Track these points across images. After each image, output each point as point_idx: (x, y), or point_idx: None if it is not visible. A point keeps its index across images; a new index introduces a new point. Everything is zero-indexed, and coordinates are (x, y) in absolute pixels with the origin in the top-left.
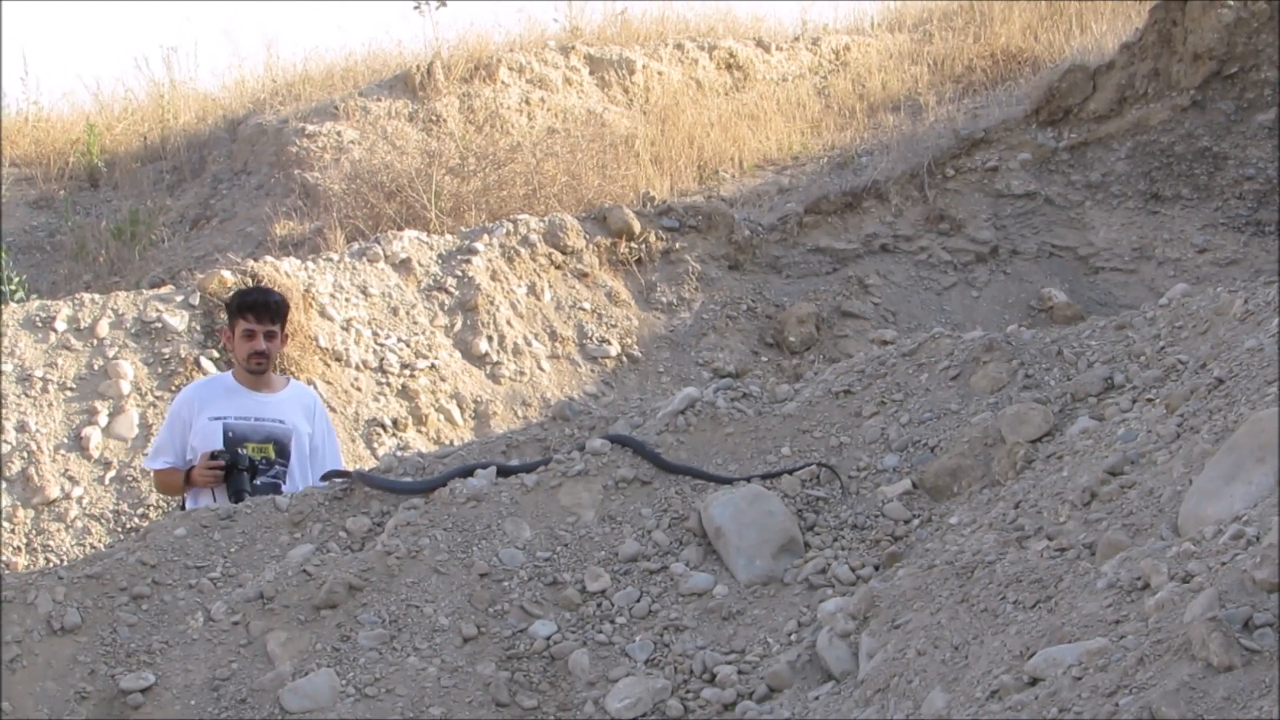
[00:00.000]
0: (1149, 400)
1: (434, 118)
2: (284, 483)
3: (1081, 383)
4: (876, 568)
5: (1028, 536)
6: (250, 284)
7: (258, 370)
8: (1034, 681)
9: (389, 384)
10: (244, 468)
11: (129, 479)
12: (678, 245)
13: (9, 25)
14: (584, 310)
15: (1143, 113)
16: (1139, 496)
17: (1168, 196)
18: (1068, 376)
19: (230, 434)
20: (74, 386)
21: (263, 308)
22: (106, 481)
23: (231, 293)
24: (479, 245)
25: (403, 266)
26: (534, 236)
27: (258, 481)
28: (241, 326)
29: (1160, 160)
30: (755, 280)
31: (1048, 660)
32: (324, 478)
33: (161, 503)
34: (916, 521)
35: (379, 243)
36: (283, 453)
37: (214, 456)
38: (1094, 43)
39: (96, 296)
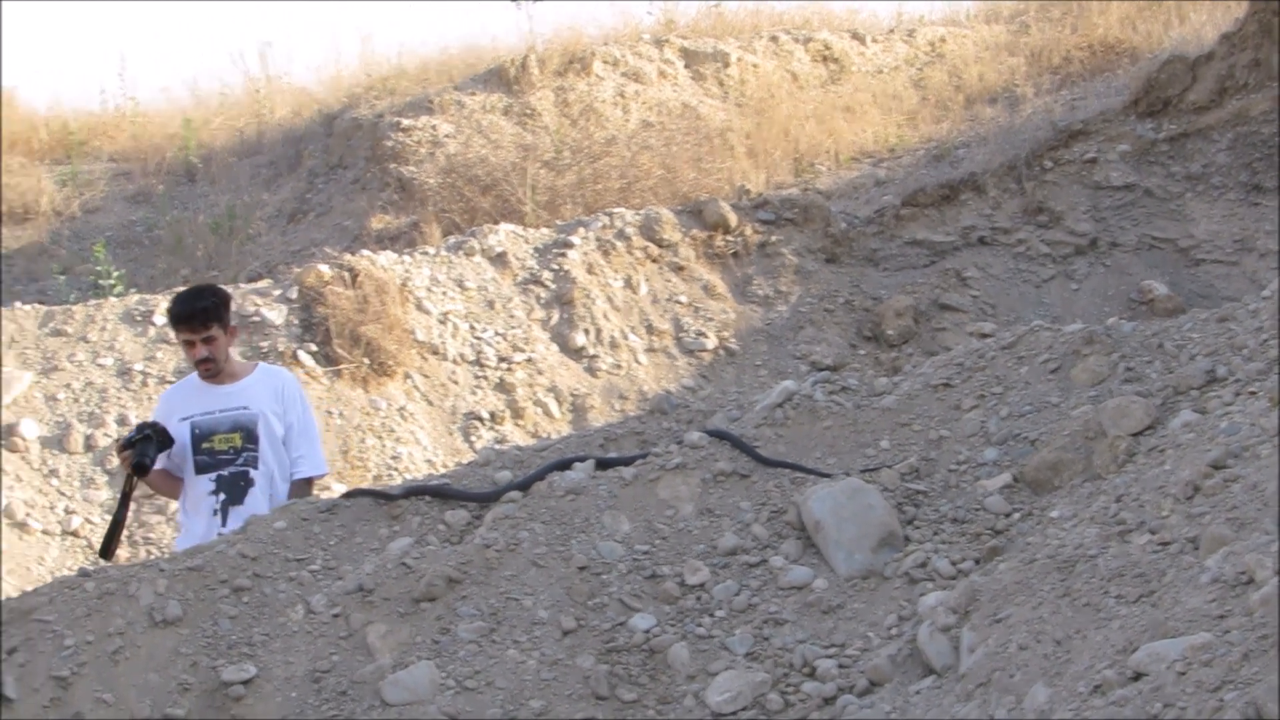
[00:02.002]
0: (1251, 393)
1: (529, 111)
2: (254, 468)
3: (1183, 376)
4: (977, 561)
5: (1130, 530)
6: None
7: (209, 376)
8: (1137, 676)
9: (486, 377)
10: (137, 438)
11: None
12: (774, 238)
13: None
14: (680, 303)
15: (1243, 103)
16: (1242, 490)
17: (1269, 188)
18: (1169, 369)
19: (197, 430)
20: (173, 380)
21: (193, 317)
22: None
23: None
24: (575, 239)
25: (499, 260)
26: (630, 230)
27: (225, 471)
28: (181, 337)
29: (1261, 151)
30: (852, 273)
31: (1151, 655)
32: (345, 496)
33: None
34: (1017, 515)
35: (475, 236)
36: (250, 438)
37: (120, 449)
38: (1193, 33)
39: None
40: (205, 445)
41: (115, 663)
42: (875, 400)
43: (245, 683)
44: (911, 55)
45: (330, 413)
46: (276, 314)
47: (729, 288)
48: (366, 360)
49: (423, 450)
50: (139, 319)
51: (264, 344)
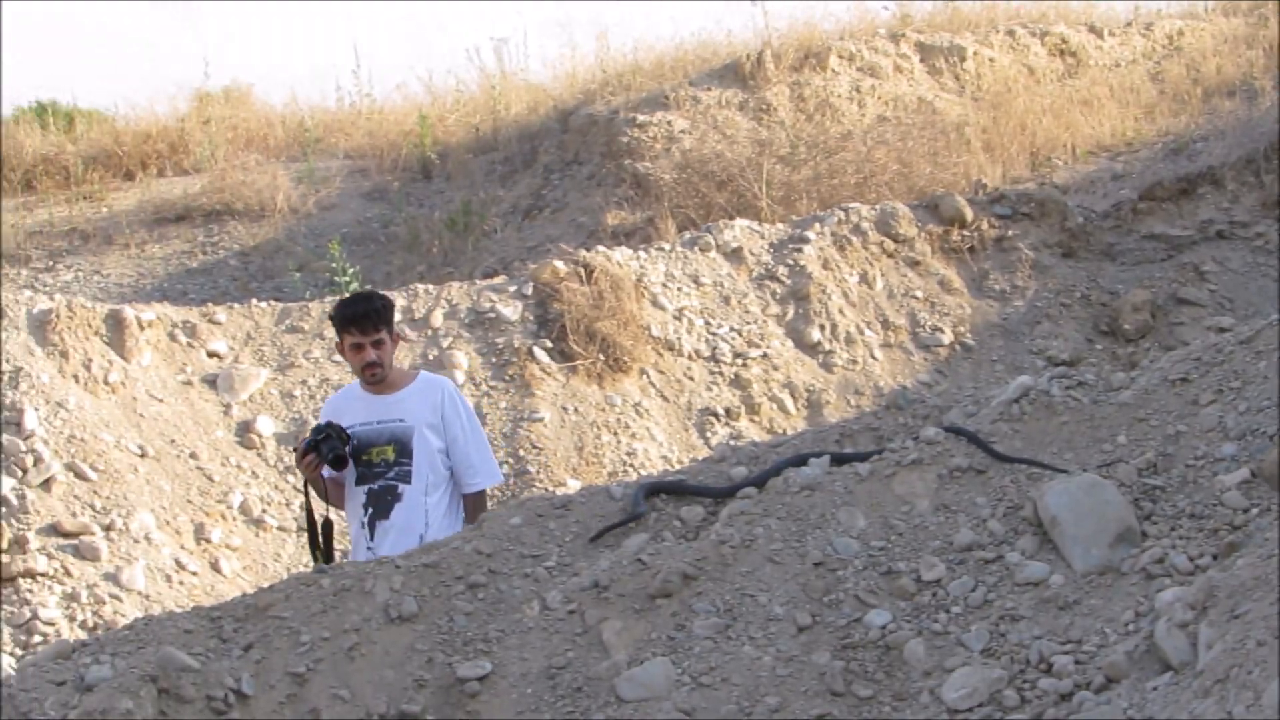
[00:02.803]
0: None
1: (764, 107)
2: (406, 483)
3: None
4: (1215, 557)
5: None
6: (578, 270)
7: (374, 380)
8: None
9: (721, 373)
10: (319, 439)
11: None
12: (1010, 233)
13: (342, 19)
14: (916, 298)
15: None
16: None
17: None
18: None
19: (356, 441)
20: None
21: (365, 318)
22: None
23: (334, 304)
24: (810, 234)
25: (734, 255)
26: (865, 225)
27: (375, 485)
28: (349, 340)
29: None
30: (1089, 267)
31: None
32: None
33: (495, 492)
34: (1255, 510)
35: (710, 232)
36: (404, 452)
37: (302, 456)
38: None
39: (430, 287)
40: (364, 457)
41: (351, 659)
42: (1112, 395)
43: (481, 679)
44: (1149, 48)
45: (565, 409)
46: (512, 310)
47: (965, 283)
48: (602, 356)
49: (658, 446)
50: None
51: (499, 340)
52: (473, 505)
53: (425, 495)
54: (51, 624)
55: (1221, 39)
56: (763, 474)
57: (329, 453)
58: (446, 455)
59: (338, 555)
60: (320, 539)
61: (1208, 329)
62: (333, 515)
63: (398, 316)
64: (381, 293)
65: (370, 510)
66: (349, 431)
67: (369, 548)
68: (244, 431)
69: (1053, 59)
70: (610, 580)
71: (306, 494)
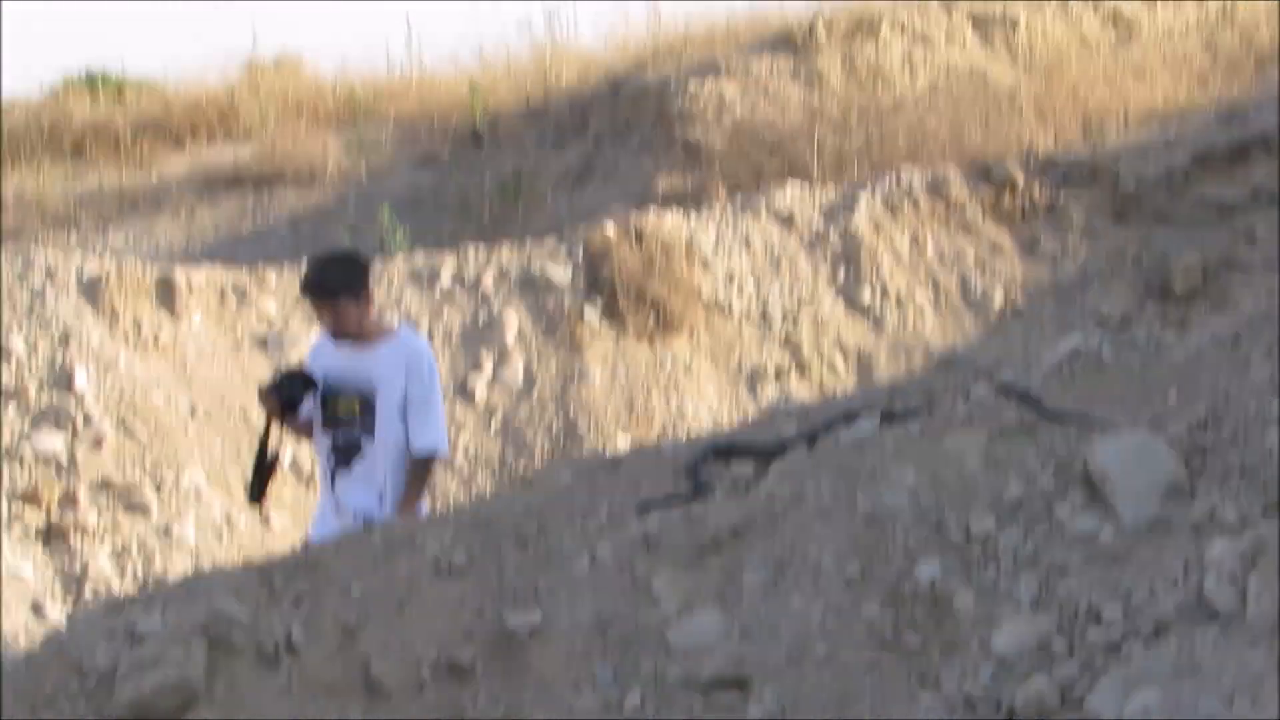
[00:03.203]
0: None
1: (816, 75)
2: (368, 439)
3: None
4: (1264, 512)
5: None
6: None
7: (339, 340)
8: None
9: (772, 334)
10: (280, 382)
11: (514, 427)
12: (1062, 198)
13: None
14: (967, 262)
15: None
16: None
17: None
18: None
19: (326, 388)
20: (460, 338)
21: (313, 289)
22: (492, 430)
23: None
24: (862, 197)
25: (785, 219)
26: (917, 189)
27: (339, 437)
28: (311, 306)
29: None
30: (1140, 231)
31: None
32: (711, 455)
33: (546, 450)
34: None
35: (762, 195)
36: (368, 408)
37: (265, 395)
38: None
39: (481, 249)
40: (331, 405)
41: (401, 612)
42: (1163, 355)
43: (530, 630)
44: (1202, 17)
45: (616, 368)
46: (562, 272)
47: (1016, 246)
48: (652, 317)
49: (708, 405)
50: (425, 277)
51: (549, 302)
52: (413, 471)
53: (385, 453)
54: (102, 577)
55: (1275, 8)
56: (813, 429)
57: (286, 393)
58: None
59: (270, 500)
60: (259, 473)
61: (1259, 292)
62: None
63: (447, 279)
64: (351, 255)
65: (334, 459)
66: (324, 375)
67: (332, 493)
68: None
69: (1106, 28)
70: (660, 534)
71: (265, 428)
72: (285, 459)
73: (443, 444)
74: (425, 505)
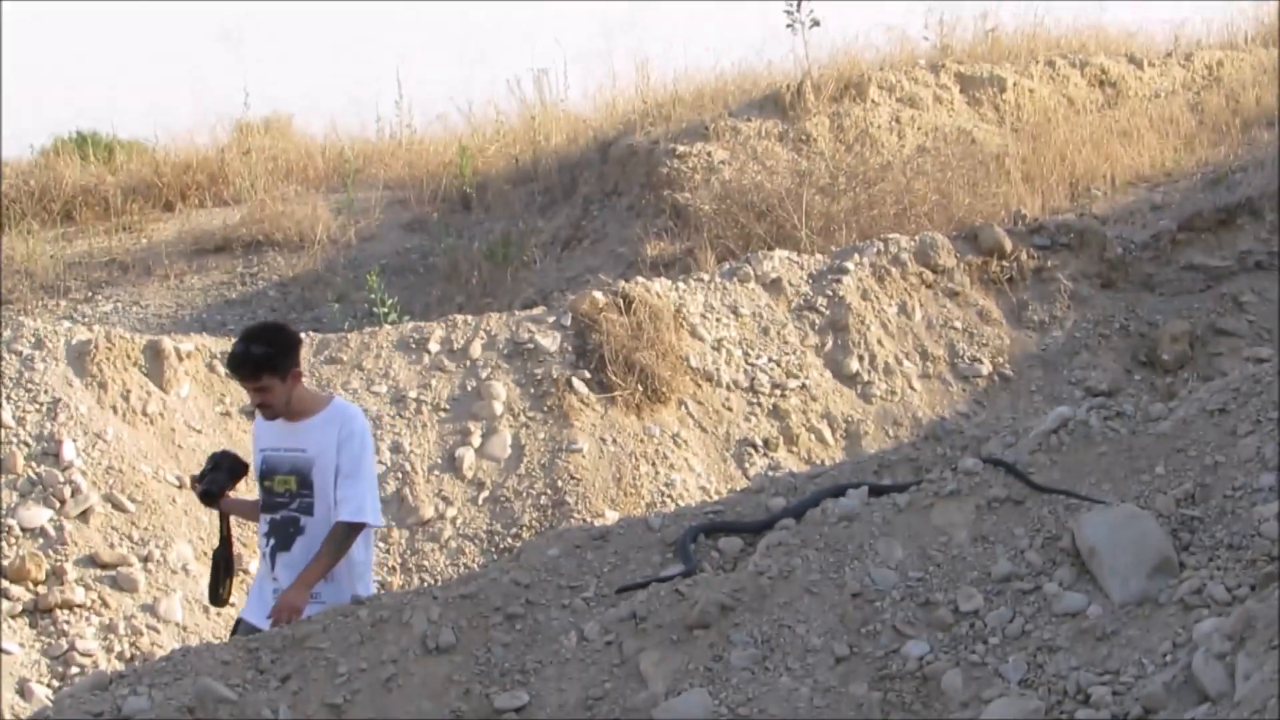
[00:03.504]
0: None
1: (804, 137)
2: (309, 515)
3: None
4: (1253, 588)
5: None
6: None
7: (270, 418)
8: None
9: (760, 404)
10: (208, 469)
11: (502, 499)
12: (1049, 263)
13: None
14: (955, 329)
15: None
16: None
17: None
18: None
19: (265, 466)
20: (447, 407)
21: (238, 369)
22: (480, 502)
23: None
24: (849, 264)
25: (773, 286)
26: (905, 255)
27: (278, 515)
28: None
29: None
30: (1128, 298)
31: None
32: (699, 535)
33: (533, 523)
34: None
35: (749, 263)
36: (304, 483)
37: (194, 482)
38: None
39: (469, 318)
40: (268, 483)
41: (389, 690)
42: (1150, 426)
43: (518, 710)
44: (1188, 79)
45: (604, 440)
46: (551, 341)
47: (1004, 313)
48: (640, 387)
49: (696, 477)
50: (413, 346)
51: (538, 371)
52: (335, 531)
53: (326, 529)
54: (89, 655)
55: (1260, 69)
56: (800, 504)
57: (206, 485)
58: None
59: (235, 595)
60: (216, 573)
61: (1246, 359)
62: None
63: (435, 348)
64: (277, 329)
65: (272, 541)
66: (263, 455)
67: (273, 578)
68: None
69: (1092, 89)
70: (648, 611)
71: (222, 525)
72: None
73: (368, 513)
74: (344, 576)
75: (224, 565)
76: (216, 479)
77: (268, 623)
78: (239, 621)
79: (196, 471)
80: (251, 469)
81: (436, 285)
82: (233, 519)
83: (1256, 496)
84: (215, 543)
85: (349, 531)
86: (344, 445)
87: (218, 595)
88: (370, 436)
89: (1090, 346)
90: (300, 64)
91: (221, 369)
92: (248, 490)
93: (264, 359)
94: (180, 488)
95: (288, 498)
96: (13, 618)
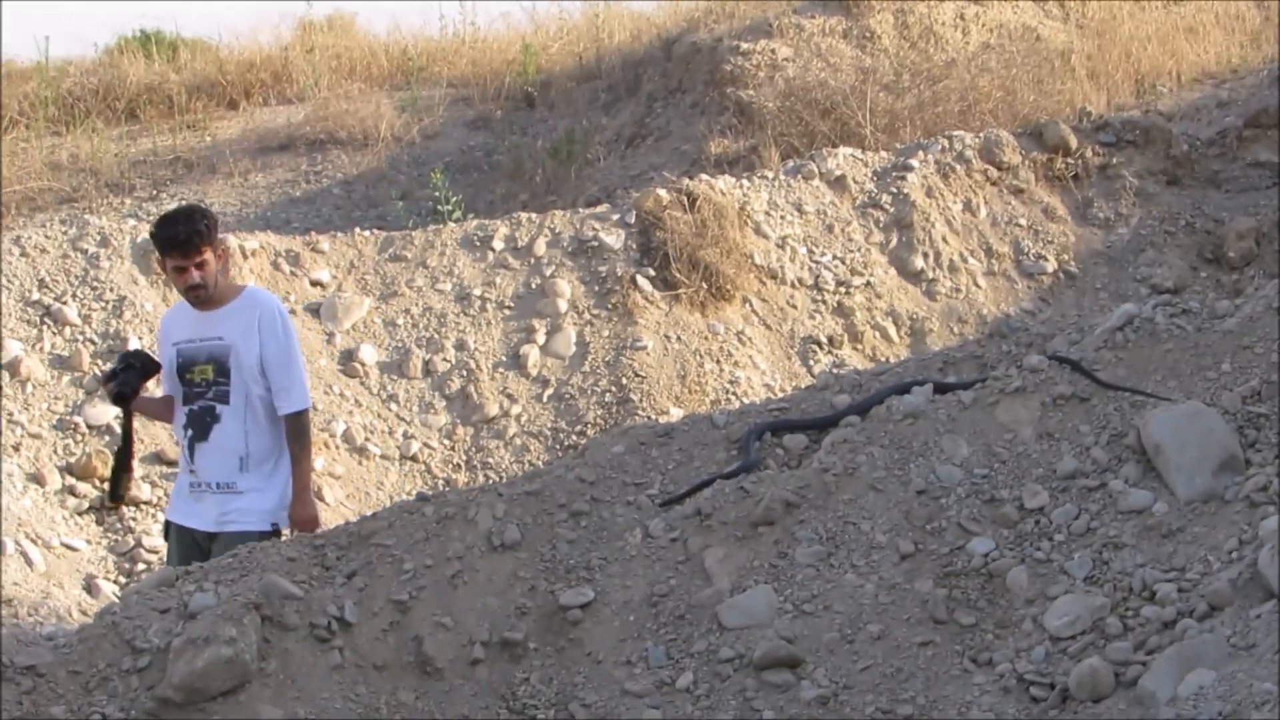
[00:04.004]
0: None
1: (868, 34)
2: (225, 404)
3: None
4: None
5: None
6: (680, 199)
7: (198, 302)
8: None
9: (824, 301)
10: (117, 370)
11: (566, 396)
12: (1115, 160)
13: None
14: (1020, 226)
15: None
16: None
17: None
18: None
19: (180, 359)
20: (512, 305)
21: (186, 242)
22: (544, 399)
23: (154, 221)
24: (914, 162)
25: (838, 183)
26: (969, 152)
27: (195, 406)
28: (170, 264)
29: None
30: (1194, 195)
31: None
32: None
33: (598, 420)
34: None
35: (814, 160)
36: (222, 371)
37: (104, 382)
38: None
39: (533, 216)
40: (187, 375)
41: (454, 586)
42: (1216, 323)
43: (583, 606)
44: None
45: (668, 337)
46: (615, 238)
47: (1069, 210)
48: (705, 284)
49: (760, 374)
50: (478, 244)
51: (602, 268)
52: (289, 428)
53: (244, 417)
54: (155, 552)
55: None
56: (865, 401)
57: (118, 387)
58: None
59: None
60: (116, 474)
61: None
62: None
63: (500, 245)
64: (204, 208)
65: (190, 432)
66: (177, 349)
67: (190, 470)
68: (347, 360)
69: None
70: (713, 508)
71: (125, 424)
72: (339, 429)
73: (307, 398)
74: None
75: (124, 463)
76: (129, 379)
77: (195, 521)
78: (167, 524)
79: (104, 371)
80: (165, 367)
81: (500, 183)
82: (136, 418)
83: None
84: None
85: (300, 419)
86: (268, 333)
87: (117, 492)
88: (290, 320)
89: (1156, 244)
90: None
91: (287, 266)
92: (157, 389)
93: (205, 230)
94: None
95: (204, 387)
96: (80, 515)
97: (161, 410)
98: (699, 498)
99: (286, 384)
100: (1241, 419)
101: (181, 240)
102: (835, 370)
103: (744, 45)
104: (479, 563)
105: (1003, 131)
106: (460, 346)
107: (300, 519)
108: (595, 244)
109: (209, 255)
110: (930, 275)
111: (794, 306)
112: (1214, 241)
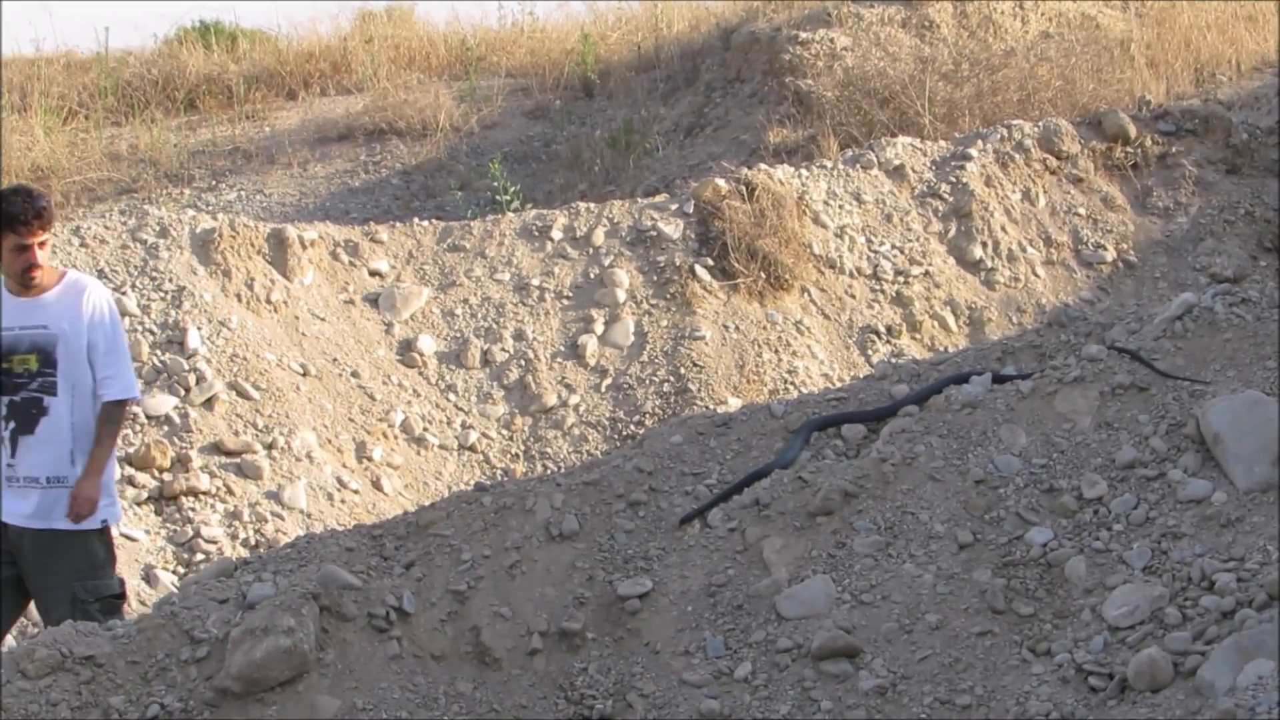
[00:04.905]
0: None
1: (927, 23)
2: (52, 395)
3: None
4: None
5: None
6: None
7: (31, 284)
8: None
9: (883, 291)
10: None
11: (625, 386)
12: (1174, 149)
13: None
14: (1079, 215)
15: None
16: None
17: None
18: None
19: (3, 347)
20: (570, 295)
21: (38, 217)
22: (602, 389)
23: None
24: (973, 151)
25: (896, 173)
26: (1028, 142)
27: (17, 397)
28: (13, 241)
29: None
30: (1253, 184)
31: None
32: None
33: (656, 410)
34: None
35: (872, 149)
36: (47, 361)
37: None
38: None
39: (592, 205)
40: (5, 365)
41: (512, 576)
42: (1276, 312)
43: (641, 596)
44: None
45: (726, 327)
46: (673, 228)
47: (1128, 199)
48: (763, 274)
49: (819, 364)
50: (536, 234)
51: (660, 258)
52: (106, 413)
53: (72, 409)
54: (214, 542)
55: None
56: (924, 391)
57: None
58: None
59: None
60: None
61: None
62: None
63: (558, 235)
64: (38, 189)
65: (12, 424)
66: None
67: (9, 464)
68: (405, 350)
69: None
70: (771, 498)
71: None
72: (397, 419)
73: (133, 388)
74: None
75: None
76: None
77: (15, 518)
78: None
79: None
80: None
81: (559, 173)
82: None
83: None
84: (338, 431)
85: (121, 409)
86: (96, 320)
87: None
88: (115, 306)
89: (1215, 233)
90: None
91: (345, 256)
92: None
93: (52, 209)
94: (304, 375)
95: (28, 377)
96: (138, 505)
97: None
98: (758, 486)
99: (114, 371)
100: None
101: (34, 215)
102: (893, 360)
103: (803, 35)
104: (537, 553)
105: (1062, 121)
106: (519, 336)
107: (79, 495)
108: (654, 234)
109: (51, 236)
110: (989, 265)
111: (852, 296)
112: (1274, 230)
